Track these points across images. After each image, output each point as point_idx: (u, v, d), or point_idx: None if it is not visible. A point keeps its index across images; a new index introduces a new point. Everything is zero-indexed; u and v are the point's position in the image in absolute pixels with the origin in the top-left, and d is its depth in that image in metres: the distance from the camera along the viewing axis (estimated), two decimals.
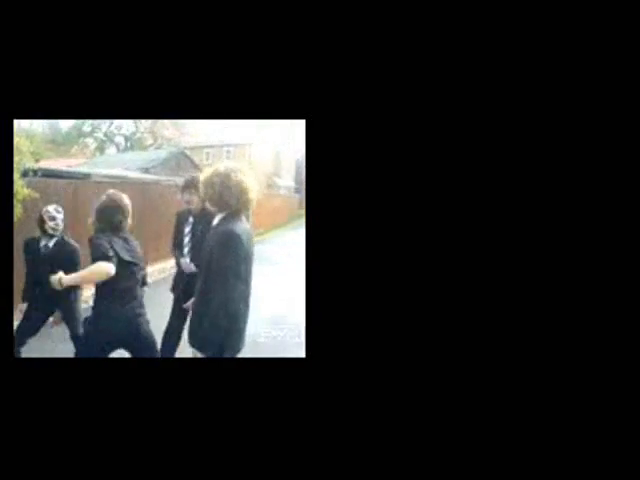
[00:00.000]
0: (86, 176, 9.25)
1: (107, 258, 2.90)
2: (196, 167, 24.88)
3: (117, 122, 34.08)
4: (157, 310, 3.94)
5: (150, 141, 34.18)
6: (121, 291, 3.07)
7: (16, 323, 4.11)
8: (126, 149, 33.97)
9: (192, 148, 29.44)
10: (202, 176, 2.85)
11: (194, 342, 2.79)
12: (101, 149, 35.45)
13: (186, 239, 4.15)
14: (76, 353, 3.91)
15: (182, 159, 23.96)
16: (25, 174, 6.51)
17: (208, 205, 2.88)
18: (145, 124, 33.72)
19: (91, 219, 3.36)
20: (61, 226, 4.26)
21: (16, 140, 6.08)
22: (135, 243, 3.29)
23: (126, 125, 34.85)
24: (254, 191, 2.80)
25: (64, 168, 11.78)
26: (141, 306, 3.23)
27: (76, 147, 34.77)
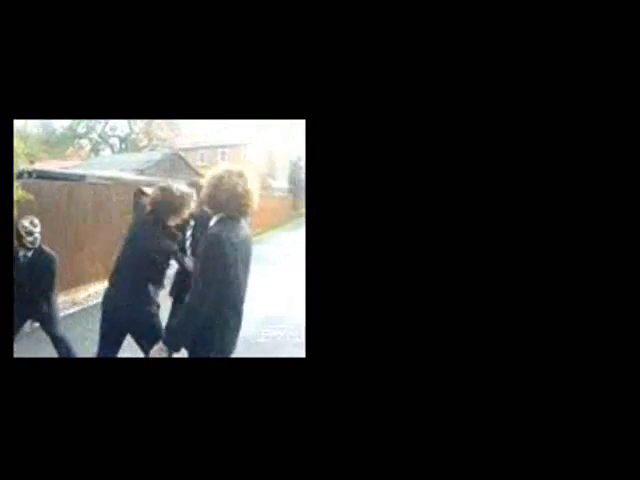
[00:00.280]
0: (81, 178, 9.19)
1: None
2: (190, 168, 24.86)
3: (111, 123, 34.07)
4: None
5: (144, 142, 34.13)
6: None
7: None
8: (121, 150, 33.95)
9: (187, 149, 29.44)
10: (207, 176, 2.78)
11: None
12: (96, 150, 35.42)
13: (187, 242, 4.12)
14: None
15: (176, 160, 23.90)
16: (20, 176, 6.48)
17: (205, 207, 2.83)
18: (139, 125, 33.70)
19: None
20: (39, 239, 4.31)
21: None
22: None
23: (120, 126, 34.84)
24: (249, 195, 2.70)
25: (59, 170, 11.73)
26: None
27: (71, 149, 34.74)
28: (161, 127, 32.26)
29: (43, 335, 4.60)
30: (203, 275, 2.63)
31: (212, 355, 2.72)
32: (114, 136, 35.56)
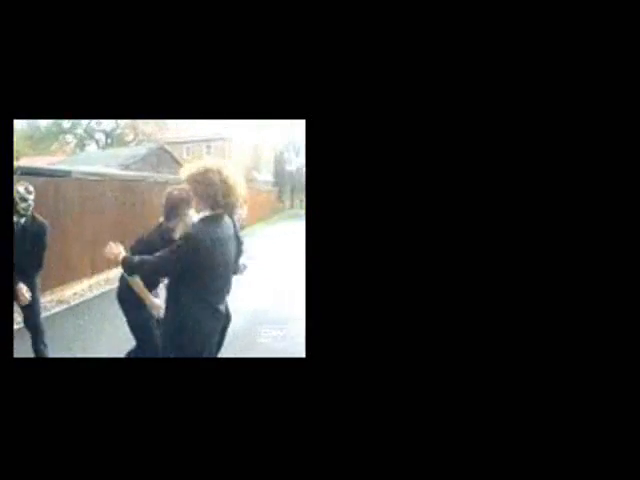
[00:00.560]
0: (67, 173, 9.10)
1: None
2: (177, 162, 24.74)
3: None
4: None
5: (130, 137, 33.87)
6: None
7: None
8: (106, 145, 33.64)
9: (172, 143, 29.23)
10: (187, 171, 2.69)
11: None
12: (81, 146, 35.07)
13: None
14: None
15: (162, 155, 23.77)
16: None
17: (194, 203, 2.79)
18: (125, 120, 33.42)
19: None
20: (32, 206, 4.25)
21: None
22: None
23: (106, 121, 34.50)
24: (231, 190, 2.65)
25: (44, 166, 11.63)
26: None
27: (56, 144, 34.38)
28: (146, 122, 32.02)
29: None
30: (178, 270, 2.62)
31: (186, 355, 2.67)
32: (99, 131, 35.21)
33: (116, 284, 3.80)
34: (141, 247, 3.33)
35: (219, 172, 2.60)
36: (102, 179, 10.09)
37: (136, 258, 2.66)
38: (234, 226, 2.87)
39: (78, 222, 8.68)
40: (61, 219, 8.30)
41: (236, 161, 31.57)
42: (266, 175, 39.23)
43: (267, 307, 5.86)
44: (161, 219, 3.56)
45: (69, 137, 35.92)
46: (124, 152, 24.32)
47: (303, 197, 50.52)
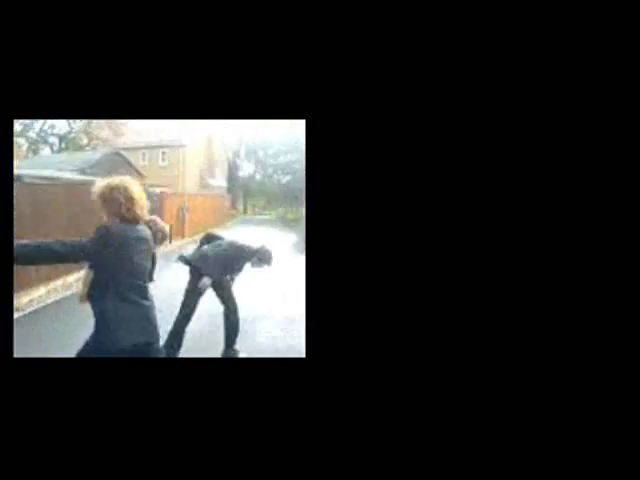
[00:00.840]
0: (17, 178, 8.90)
1: None
2: (132, 167, 24.37)
3: (50, 122, 32.92)
4: None
5: (85, 141, 33.17)
6: None
7: None
8: (61, 150, 32.86)
9: (128, 149, 28.83)
10: (96, 190, 2.91)
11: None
12: (34, 150, 34.18)
13: None
14: None
15: (117, 160, 23.35)
16: None
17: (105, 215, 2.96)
18: (79, 124, 32.72)
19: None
20: None
21: None
22: None
23: (59, 125, 33.72)
24: (132, 202, 2.87)
25: None
26: None
27: None
28: (101, 126, 31.41)
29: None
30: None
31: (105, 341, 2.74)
32: (53, 135, 34.41)
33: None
34: None
35: (124, 189, 2.85)
36: (54, 183, 9.91)
37: (26, 244, 2.72)
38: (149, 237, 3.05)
39: (29, 227, 8.50)
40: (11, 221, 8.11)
41: (190, 166, 31.40)
42: (220, 180, 39.01)
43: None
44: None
45: (21, 140, 34.93)
46: (79, 156, 23.84)
47: (255, 202, 50.49)
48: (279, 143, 42.43)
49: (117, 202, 2.85)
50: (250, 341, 5.53)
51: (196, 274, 4.94)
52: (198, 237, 5.71)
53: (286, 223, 32.59)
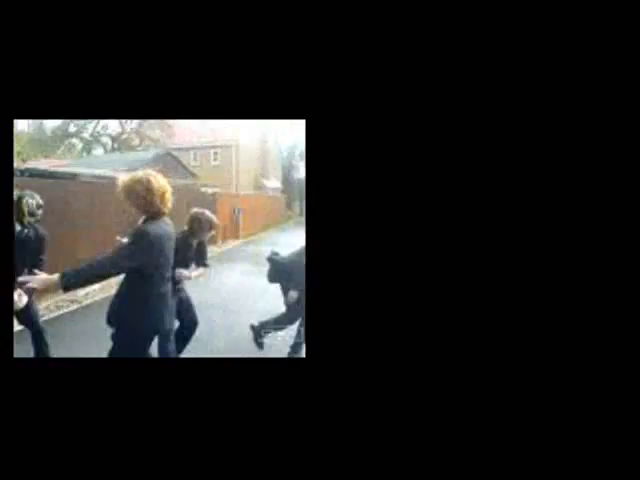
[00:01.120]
0: (73, 176, 9.16)
1: None
2: (184, 168, 24.79)
3: (103, 122, 33.85)
4: None
5: (137, 142, 33.97)
6: None
7: None
8: (113, 150, 33.76)
9: (179, 149, 29.32)
10: (120, 183, 3.11)
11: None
12: (87, 150, 35.21)
13: None
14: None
15: (169, 160, 23.82)
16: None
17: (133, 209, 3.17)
18: (131, 125, 33.54)
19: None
20: (39, 221, 4.33)
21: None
22: None
23: (112, 126, 34.63)
24: (154, 196, 3.03)
25: (52, 168, 11.70)
26: None
27: (63, 148, 34.51)
28: (153, 128, 32.09)
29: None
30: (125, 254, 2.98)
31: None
32: (106, 135, 35.36)
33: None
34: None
35: (146, 182, 3.02)
36: (109, 182, 10.13)
37: (72, 271, 2.88)
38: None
39: (86, 224, 8.73)
40: (69, 221, 8.35)
41: (244, 167, 31.69)
42: (275, 182, 39.27)
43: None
44: (185, 227, 4.54)
45: (75, 141, 36.07)
46: (131, 156, 24.41)
47: None
48: None
49: (139, 195, 3.02)
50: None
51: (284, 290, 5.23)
52: (253, 238, 5.74)
53: None
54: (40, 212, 4.24)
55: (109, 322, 3.13)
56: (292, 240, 10.84)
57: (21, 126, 31.12)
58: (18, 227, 4.15)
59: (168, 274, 3.23)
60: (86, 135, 35.17)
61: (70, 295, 7.84)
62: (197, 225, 4.61)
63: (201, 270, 4.87)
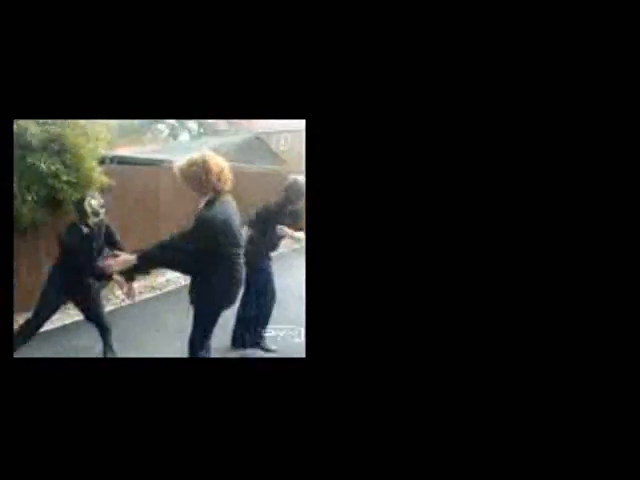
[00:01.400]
0: (160, 162, 9.34)
1: None
2: (272, 152, 24.97)
3: None
4: None
5: (223, 127, 34.52)
6: None
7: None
8: (199, 135, 34.44)
9: (268, 133, 29.40)
10: (176, 166, 3.33)
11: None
12: (174, 135, 36.06)
13: None
14: None
15: (257, 144, 24.06)
16: (102, 162, 6.56)
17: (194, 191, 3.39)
18: None
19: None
20: (103, 220, 4.41)
21: (91, 127, 6.14)
22: None
23: None
24: (213, 175, 3.24)
25: (140, 155, 12.01)
26: None
27: (149, 134, 35.52)
28: None
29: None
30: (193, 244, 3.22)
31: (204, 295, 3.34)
32: (192, 120, 36.09)
33: None
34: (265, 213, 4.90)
35: (203, 162, 3.21)
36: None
37: (150, 250, 3.30)
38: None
39: (171, 209, 8.89)
40: (154, 207, 8.52)
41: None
42: None
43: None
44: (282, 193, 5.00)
45: (162, 127, 36.98)
46: (217, 141, 24.74)
47: None
48: None
49: (197, 176, 3.21)
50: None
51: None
52: None
53: None
54: (103, 211, 4.28)
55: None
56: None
57: None
58: (85, 229, 4.21)
59: (239, 250, 3.41)
60: (172, 120, 36.02)
61: (148, 281, 8.24)
62: (293, 193, 4.89)
63: (301, 234, 4.99)
